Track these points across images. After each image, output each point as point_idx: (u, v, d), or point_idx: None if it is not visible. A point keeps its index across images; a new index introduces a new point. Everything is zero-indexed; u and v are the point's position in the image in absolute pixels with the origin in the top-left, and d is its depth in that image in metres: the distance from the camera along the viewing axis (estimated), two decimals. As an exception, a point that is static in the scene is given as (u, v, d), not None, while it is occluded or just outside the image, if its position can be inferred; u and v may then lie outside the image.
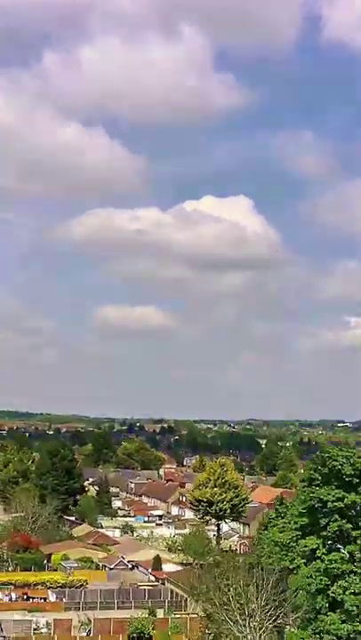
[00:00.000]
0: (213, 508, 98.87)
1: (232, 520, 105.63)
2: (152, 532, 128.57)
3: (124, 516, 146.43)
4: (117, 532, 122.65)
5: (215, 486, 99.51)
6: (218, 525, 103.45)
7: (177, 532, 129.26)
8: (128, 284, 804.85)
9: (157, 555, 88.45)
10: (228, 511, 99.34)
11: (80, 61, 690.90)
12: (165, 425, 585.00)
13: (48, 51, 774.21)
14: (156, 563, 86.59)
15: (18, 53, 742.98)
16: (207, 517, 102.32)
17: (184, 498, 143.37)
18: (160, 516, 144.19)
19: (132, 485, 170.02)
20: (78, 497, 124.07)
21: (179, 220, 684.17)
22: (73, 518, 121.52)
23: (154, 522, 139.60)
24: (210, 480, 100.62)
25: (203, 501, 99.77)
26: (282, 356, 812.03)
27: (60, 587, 78.77)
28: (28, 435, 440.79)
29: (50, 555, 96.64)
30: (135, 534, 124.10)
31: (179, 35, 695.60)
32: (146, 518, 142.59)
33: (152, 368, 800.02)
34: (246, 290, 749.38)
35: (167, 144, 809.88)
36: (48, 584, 79.27)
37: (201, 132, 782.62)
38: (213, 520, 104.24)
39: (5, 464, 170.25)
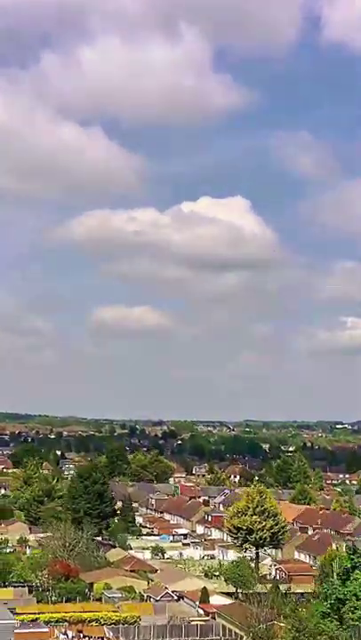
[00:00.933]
0: (253, 536, 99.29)
1: (271, 548, 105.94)
2: (181, 553, 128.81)
3: (148, 534, 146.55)
4: (147, 554, 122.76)
5: (254, 514, 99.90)
6: (257, 554, 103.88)
7: (205, 552, 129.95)
8: (126, 284, 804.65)
9: (205, 587, 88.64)
10: (268, 539, 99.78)
11: (78, 61, 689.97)
12: (166, 428, 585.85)
13: (47, 51, 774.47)
14: (204, 595, 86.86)
15: (16, 53, 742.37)
16: (247, 545, 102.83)
17: (209, 517, 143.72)
18: (185, 535, 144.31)
19: (153, 501, 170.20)
20: (110, 520, 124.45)
21: (176, 220, 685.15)
22: (101, 539, 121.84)
23: (179, 541, 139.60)
24: (248, 507, 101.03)
25: (242, 529, 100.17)
26: (280, 356, 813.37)
27: (114, 623, 78.91)
28: (31, 440, 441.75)
29: (91, 584, 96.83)
30: (165, 556, 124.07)
31: (178, 35, 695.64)
32: (171, 537, 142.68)
33: (150, 369, 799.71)
34: (244, 290, 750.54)
35: (165, 144, 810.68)
36: (102, 620, 79.31)
37: (199, 133, 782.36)
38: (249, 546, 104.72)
39: (26, 480, 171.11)
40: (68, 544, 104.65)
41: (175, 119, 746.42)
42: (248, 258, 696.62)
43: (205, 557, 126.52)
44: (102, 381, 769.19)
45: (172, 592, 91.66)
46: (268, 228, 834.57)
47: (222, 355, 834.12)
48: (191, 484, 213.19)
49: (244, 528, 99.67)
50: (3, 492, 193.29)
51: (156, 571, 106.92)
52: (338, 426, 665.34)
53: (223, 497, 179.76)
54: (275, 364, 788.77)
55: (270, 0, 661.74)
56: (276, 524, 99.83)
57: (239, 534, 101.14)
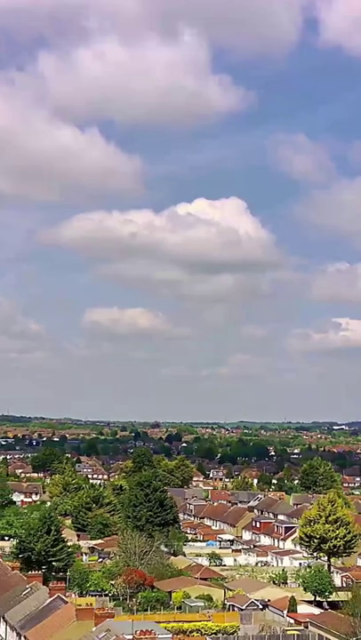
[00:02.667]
0: (327, 544, 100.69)
1: (345, 556, 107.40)
2: (235, 559, 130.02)
3: (193, 540, 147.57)
4: (204, 561, 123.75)
5: (326, 522, 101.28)
6: (329, 563, 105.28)
7: (258, 559, 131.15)
8: (121, 286, 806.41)
9: (292, 596, 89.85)
10: (342, 548, 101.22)
11: (75, 63, 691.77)
12: (165, 430, 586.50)
13: (43, 52, 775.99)
14: (292, 604, 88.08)
15: (13, 55, 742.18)
16: (320, 554, 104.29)
17: (257, 523, 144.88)
18: (231, 542, 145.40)
19: (192, 507, 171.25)
20: (170, 528, 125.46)
21: (172, 222, 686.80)
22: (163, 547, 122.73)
23: (228, 548, 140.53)
24: (320, 516, 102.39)
25: (315, 538, 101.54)
26: (274, 357, 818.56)
27: (214, 633, 79.89)
28: (36, 443, 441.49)
29: (169, 592, 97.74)
30: (221, 563, 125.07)
31: (176, 36, 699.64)
32: (218, 544, 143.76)
33: (145, 371, 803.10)
34: (239, 292, 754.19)
35: (162, 146, 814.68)
36: (203, 630, 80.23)
37: (196, 134, 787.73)
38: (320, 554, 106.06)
39: (65, 486, 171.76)
40: (138, 552, 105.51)
41: (173, 120, 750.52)
42: (243, 259, 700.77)
43: (259, 564, 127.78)
44: (96, 384, 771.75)
45: (256, 601, 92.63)
46: (264, 230, 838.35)
47: (216, 356, 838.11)
48: (221, 491, 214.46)
49: (317, 537, 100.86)
50: (34, 497, 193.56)
51: (224, 578, 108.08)
52: (335, 427, 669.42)
53: (257, 502, 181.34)
54: (269, 366, 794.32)
55: (269, 2, 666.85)
56: (349, 533, 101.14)
57: (311, 542, 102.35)
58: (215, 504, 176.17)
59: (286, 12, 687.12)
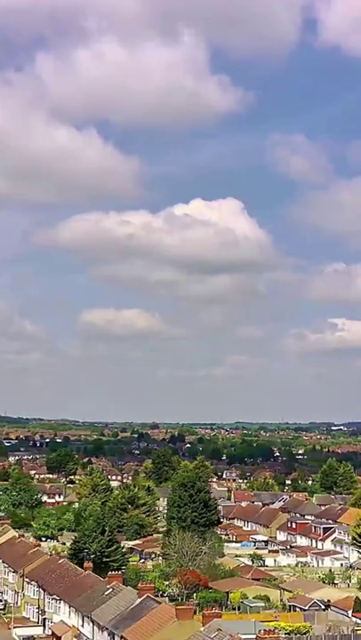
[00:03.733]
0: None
1: None
2: (274, 560, 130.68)
3: (227, 541, 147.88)
4: (246, 562, 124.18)
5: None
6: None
7: (298, 560, 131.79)
8: (118, 287, 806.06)
9: (357, 596, 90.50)
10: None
11: (74, 63, 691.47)
12: (165, 431, 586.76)
13: (41, 53, 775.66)
14: (357, 604, 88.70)
15: (11, 55, 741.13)
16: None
17: (293, 524, 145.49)
18: (265, 542, 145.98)
19: (220, 508, 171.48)
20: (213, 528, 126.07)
21: (169, 222, 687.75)
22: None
23: (265, 548, 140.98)
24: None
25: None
26: (271, 358, 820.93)
27: (287, 634, 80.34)
28: (39, 444, 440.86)
29: (226, 593, 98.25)
30: (264, 564, 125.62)
31: (175, 37, 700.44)
32: (253, 544, 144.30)
33: (142, 372, 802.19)
34: (236, 292, 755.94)
35: (160, 146, 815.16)
36: (277, 630, 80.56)
37: (194, 135, 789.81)
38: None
39: (94, 487, 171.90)
40: (190, 553, 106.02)
41: (171, 121, 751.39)
42: (240, 260, 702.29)
43: (299, 565, 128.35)
44: (93, 384, 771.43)
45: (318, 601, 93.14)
46: (261, 230, 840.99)
47: (213, 357, 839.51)
48: (244, 491, 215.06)
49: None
50: (57, 498, 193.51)
51: (276, 579, 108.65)
52: (333, 428, 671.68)
53: (282, 503, 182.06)
54: (265, 366, 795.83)
55: (268, 2, 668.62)
56: None
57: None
58: (244, 505, 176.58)
59: (286, 12, 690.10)
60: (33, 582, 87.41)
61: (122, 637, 63.61)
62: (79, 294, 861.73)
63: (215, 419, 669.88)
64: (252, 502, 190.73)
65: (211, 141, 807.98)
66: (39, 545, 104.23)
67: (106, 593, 73.50)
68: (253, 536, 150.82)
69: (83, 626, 73.13)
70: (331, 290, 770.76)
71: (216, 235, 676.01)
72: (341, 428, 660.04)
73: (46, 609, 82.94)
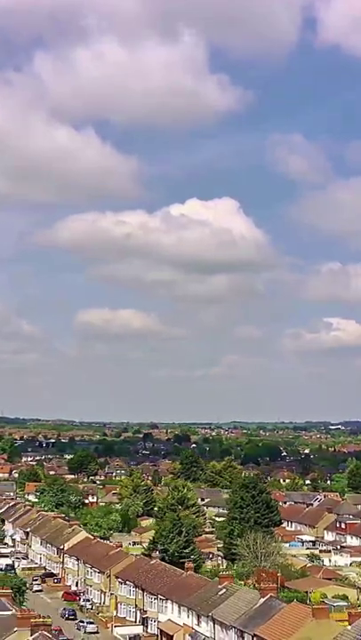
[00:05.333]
0: None
1: None
2: (329, 560, 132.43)
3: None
4: (304, 561, 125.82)
5: None
6: None
7: (352, 559, 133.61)
8: (115, 287, 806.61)
9: None
10: None
11: (73, 63, 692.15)
12: (163, 430, 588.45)
13: (40, 52, 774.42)
14: None
15: (10, 55, 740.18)
16: None
17: (342, 524, 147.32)
18: (313, 542, 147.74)
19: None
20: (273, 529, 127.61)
21: (166, 222, 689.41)
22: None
23: (311, 548, 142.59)
24: None
25: None
26: (266, 357, 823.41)
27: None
28: (45, 445, 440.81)
29: (305, 592, 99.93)
30: (322, 563, 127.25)
31: (175, 36, 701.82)
32: (300, 544, 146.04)
33: (140, 372, 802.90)
34: (232, 292, 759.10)
35: (158, 146, 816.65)
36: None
37: (193, 134, 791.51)
38: None
39: (134, 487, 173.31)
40: (263, 553, 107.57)
41: (170, 120, 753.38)
42: (238, 259, 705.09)
43: (353, 564, 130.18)
44: (90, 384, 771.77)
45: None
46: (258, 230, 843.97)
47: (210, 357, 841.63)
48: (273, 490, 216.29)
49: None
50: (90, 499, 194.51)
51: (346, 578, 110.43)
52: (330, 427, 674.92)
53: (317, 502, 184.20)
54: (262, 366, 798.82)
55: (268, 2, 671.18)
56: None
57: None
58: (285, 505, 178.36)
59: (286, 11, 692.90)
60: (129, 582, 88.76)
61: (255, 636, 65.18)
62: (77, 294, 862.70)
63: (212, 418, 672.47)
64: (284, 503, 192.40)
65: (210, 141, 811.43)
66: (120, 546, 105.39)
67: (220, 593, 75.10)
68: (299, 536, 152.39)
69: (199, 625, 74.58)
70: (326, 289, 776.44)
71: (213, 234, 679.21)
72: (340, 427, 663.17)
73: (148, 608, 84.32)
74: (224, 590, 75.18)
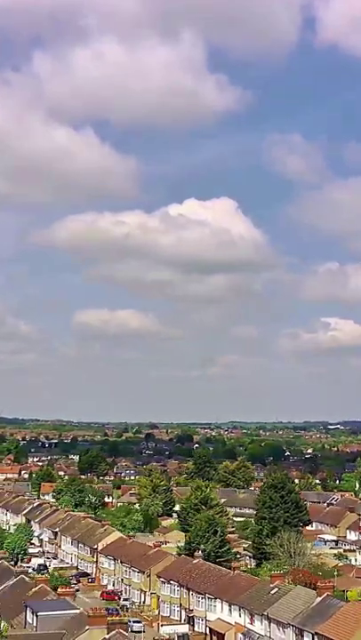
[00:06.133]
0: None
1: None
2: (355, 559, 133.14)
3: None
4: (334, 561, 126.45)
5: None
6: None
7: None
8: (113, 287, 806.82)
9: None
10: None
11: (71, 63, 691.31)
12: (163, 430, 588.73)
13: (39, 52, 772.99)
14: None
15: (8, 55, 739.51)
16: None
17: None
18: (335, 542, 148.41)
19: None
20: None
21: (164, 222, 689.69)
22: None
23: (335, 548, 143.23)
24: None
25: None
26: (264, 357, 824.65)
27: None
28: (48, 445, 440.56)
29: (343, 591, 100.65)
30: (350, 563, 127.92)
31: (174, 36, 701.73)
32: (323, 544, 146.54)
33: (138, 372, 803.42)
34: (231, 292, 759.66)
35: (158, 146, 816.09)
36: None
37: (192, 134, 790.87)
38: None
39: (154, 487, 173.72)
40: (293, 552, 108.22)
41: (169, 120, 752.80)
42: (237, 260, 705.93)
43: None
44: (88, 385, 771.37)
45: None
46: (257, 230, 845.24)
47: (208, 357, 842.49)
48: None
49: None
50: (106, 499, 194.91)
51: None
52: (329, 427, 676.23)
53: (334, 502, 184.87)
54: (260, 366, 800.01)
55: (267, 2, 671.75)
56: None
57: None
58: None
59: (286, 11, 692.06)
60: (172, 581, 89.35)
61: (316, 634, 65.90)
62: (75, 294, 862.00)
63: (211, 418, 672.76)
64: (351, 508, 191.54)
65: (208, 141, 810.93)
66: (159, 545, 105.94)
67: (272, 592, 75.80)
68: (321, 536, 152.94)
69: (252, 623, 75.26)
70: (324, 289, 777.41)
71: (211, 234, 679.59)
72: (338, 426, 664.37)
73: (194, 607, 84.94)
74: (276, 589, 75.86)
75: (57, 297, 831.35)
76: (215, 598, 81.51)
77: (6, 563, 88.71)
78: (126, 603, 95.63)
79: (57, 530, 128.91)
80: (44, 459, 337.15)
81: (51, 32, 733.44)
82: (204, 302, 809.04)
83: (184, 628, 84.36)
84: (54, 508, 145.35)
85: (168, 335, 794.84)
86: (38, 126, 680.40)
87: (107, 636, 55.02)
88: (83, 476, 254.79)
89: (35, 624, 62.03)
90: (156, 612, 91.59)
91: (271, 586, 77.13)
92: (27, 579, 79.07)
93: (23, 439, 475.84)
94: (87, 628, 57.21)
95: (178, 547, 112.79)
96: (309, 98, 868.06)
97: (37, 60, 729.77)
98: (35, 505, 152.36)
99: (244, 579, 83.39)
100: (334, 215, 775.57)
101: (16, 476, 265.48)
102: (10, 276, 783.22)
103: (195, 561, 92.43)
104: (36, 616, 61.58)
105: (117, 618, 56.72)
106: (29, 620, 64.10)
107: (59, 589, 70.62)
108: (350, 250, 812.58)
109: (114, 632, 55.14)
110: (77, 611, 62.35)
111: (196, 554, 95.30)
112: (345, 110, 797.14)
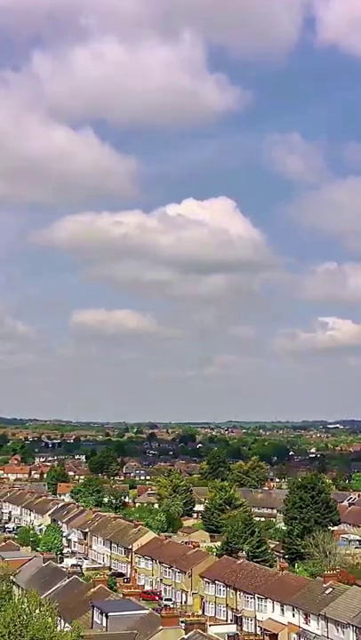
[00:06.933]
0: None
1: None
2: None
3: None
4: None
5: None
6: None
7: None
8: (112, 287, 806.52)
9: None
10: None
11: (71, 63, 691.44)
12: (163, 430, 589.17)
13: (38, 52, 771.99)
14: None
15: (8, 55, 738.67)
16: None
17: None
18: (359, 541, 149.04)
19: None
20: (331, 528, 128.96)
21: (163, 222, 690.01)
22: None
23: (359, 547, 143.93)
24: None
25: None
26: (262, 357, 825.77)
27: None
28: (52, 445, 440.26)
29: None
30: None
31: (174, 36, 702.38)
32: (347, 543, 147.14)
33: (136, 372, 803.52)
34: (229, 292, 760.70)
35: (157, 146, 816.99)
36: None
37: (193, 134, 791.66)
38: None
39: (174, 488, 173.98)
40: (327, 553, 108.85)
41: (168, 120, 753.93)
42: (235, 259, 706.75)
43: None
44: (86, 385, 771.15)
45: None
46: (256, 230, 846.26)
47: (206, 357, 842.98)
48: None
49: None
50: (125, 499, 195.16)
51: None
52: (328, 426, 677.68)
53: (348, 502, 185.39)
54: (258, 365, 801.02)
55: (267, 2, 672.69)
56: None
57: None
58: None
59: (286, 11, 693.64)
60: (218, 582, 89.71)
61: (379, 633, 66.42)
62: (73, 294, 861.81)
63: (209, 418, 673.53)
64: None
65: (208, 141, 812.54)
66: (198, 545, 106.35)
67: (327, 592, 76.25)
68: (344, 535, 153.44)
69: (307, 623, 75.68)
70: (323, 289, 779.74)
71: (210, 234, 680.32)
72: (337, 425, 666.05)
73: (243, 607, 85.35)
74: (330, 589, 76.31)
75: (56, 297, 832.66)
76: (266, 598, 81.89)
77: (54, 563, 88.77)
78: (168, 603, 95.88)
79: (87, 530, 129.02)
80: (50, 459, 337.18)
81: (50, 32, 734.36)
82: (202, 302, 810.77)
83: (233, 628, 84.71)
84: (81, 508, 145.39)
85: (166, 335, 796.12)
86: (38, 126, 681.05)
87: (185, 637, 55.32)
88: (98, 476, 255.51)
89: (104, 624, 62.24)
90: (200, 612, 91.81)
91: (324, 586, 77.51)
92: (80, 579, 79.29)
93: (26, 439, 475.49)
94: (161, 628, 57.53)
95: (209, 547, 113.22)
96: (309, 98, 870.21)
97: (37, 59, 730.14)
98: (59, 505, 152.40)
99: (294, 578, 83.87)
100: (333, 215, 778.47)
101: (26, 476, 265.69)
102: (9, 276, 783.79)
103: (239, 561, 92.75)
104: (106, 616, 61.76)
105: (196, 619, 56.90)
106: (97, 620, 64.28)
107: (124, 590, 70.88)
108: (349, 250, 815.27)
109: (192, 632, 55.45)
110: (146, 611, 62.67)
111: (240, 554, 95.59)
112: (345, 110, 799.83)
